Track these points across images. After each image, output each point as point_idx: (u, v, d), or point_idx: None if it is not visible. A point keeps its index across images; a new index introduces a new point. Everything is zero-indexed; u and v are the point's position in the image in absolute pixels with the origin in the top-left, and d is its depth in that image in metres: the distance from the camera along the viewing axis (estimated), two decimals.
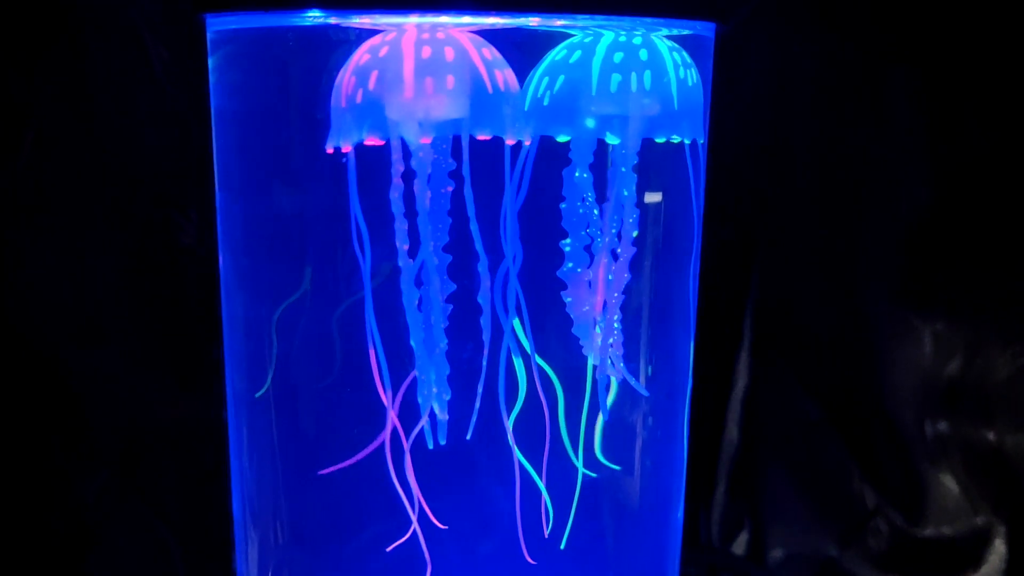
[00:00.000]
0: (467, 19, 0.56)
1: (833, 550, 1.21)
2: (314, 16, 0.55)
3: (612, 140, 0.58)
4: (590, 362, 0.63)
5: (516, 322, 0.61)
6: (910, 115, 1.15)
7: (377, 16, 0.55)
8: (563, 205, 0.62)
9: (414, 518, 0.60)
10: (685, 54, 0.61)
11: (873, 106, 1.15)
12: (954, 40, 1.12)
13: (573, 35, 0.60)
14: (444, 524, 0.62)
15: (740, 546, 1.24)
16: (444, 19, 0.55)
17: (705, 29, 0.68)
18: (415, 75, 0.52)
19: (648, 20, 0.60)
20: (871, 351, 1.19)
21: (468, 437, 0.62)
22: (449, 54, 0.53)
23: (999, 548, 1.17)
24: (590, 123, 0.58)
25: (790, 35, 1.16)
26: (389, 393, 0.59)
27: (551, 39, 0.60)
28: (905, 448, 1.19)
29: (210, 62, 0.64)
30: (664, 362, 0.69)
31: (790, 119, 1.18)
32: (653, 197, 0.64)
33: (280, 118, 0.61)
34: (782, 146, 1.18)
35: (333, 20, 0.56)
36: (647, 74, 0.58)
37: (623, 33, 0.59)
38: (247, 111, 0.63)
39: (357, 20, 0.56)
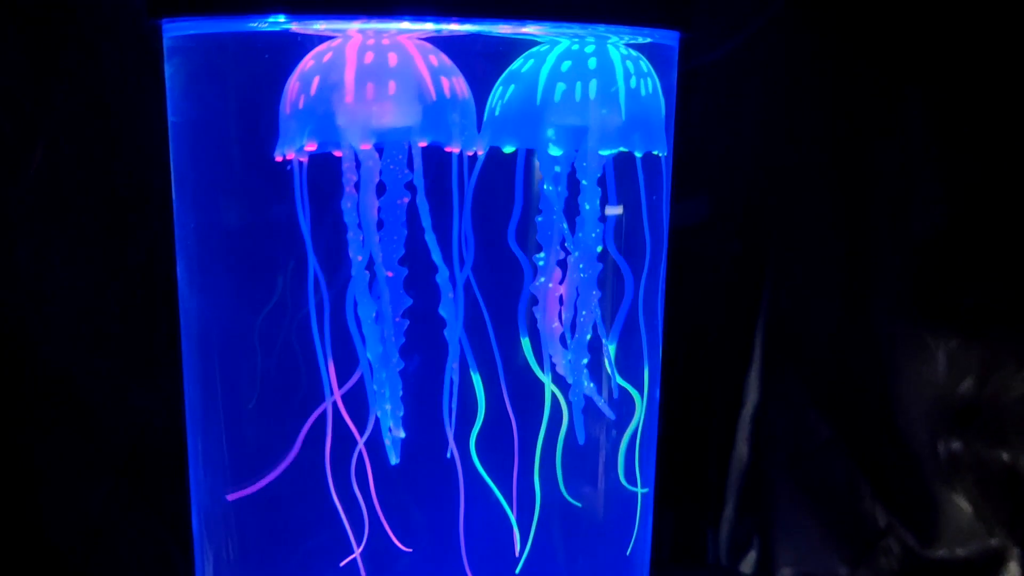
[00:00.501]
0: (426, 26, 0.56)
1: (843, 570, 1.19)
2: (275, 21, 0.55)
3: (554, 152, 0.57)
4: (547, 382, 0.61)
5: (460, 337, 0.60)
6: (924, 131, 1.13)
7: (331, 21, 0.55)
8: (539, 219, 0.61)
9: (353, 541, 0.59)
10: (643, 63, 0.60)
11: (886, 121, 1.14)
12: (968, 56, 1.11)
13: (541, 44, 0.59)
14: (397, 541, 0.61)
15: (749, 565, 1.22)
16: (403, 25, 0.55)
17: (668, 38, 0.67)
18: (356, 80, 0.52)
19: (604, 27, 0.59)
20: (883, 369, 1.17)
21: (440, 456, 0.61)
22: (392, 59, 0.52)
23: (1013, 570, 1.15)
24: (534, 134, 0.57)
25: (803, 50, 1.15)
26: (331, 407, 0.58)
27: (520, 48, 0.60)
28: (917, 467, 1.17)
29: (166, 70, 0.65)
30: (633, 380, 0.67)
31: (802, 134, 1.17)
32: (613, 211, 0.63)
33: (230, 126, 0.61)
34: (794, 161, 1.18)
35: (294, 27, 0.56)
36: (592, 83, 0.57)
37: (577, 42, 0.58)
38: (198, 119, 0.64)
39: (314, 26, 0.56)
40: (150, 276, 1.05)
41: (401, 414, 0.60)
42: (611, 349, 0.63)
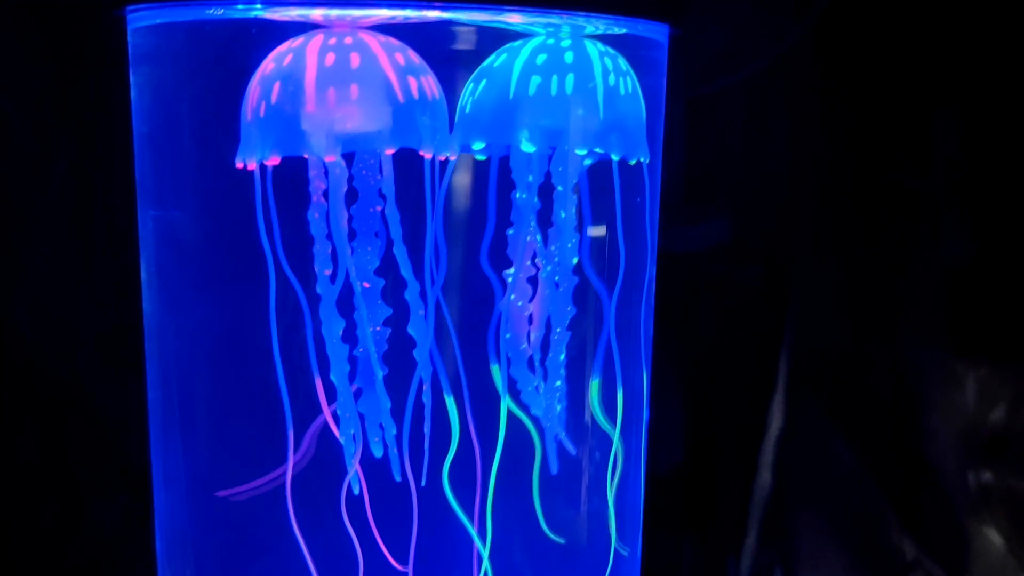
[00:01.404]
0: (408, 12, 0.53)
1: None
2: (243, 8, 0.53)
3: (527, 148, 0.53)
4: (503, 404, 0.58)
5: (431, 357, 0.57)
6: (955, 155, 1.11)
7: (303, 8, 0.52)
8: (510, 231, 0.58)
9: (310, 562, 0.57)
10: (622, 61, 0.57)
11: (916, 145, 1.12)
12: (1002, 78, 1.08)
13: (514, 41, 0.57)
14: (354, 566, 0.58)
15: None
16: (381, 12, 0.52)
17: (655, 32, 0.64)
18: (316, 85, 0.50)
19: (584, 17, 0.56)
20: (910, 396, 1.14)
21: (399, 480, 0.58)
22: (355, 60, 0.49)
23: None
24: (507, 130, 0.53)
25: (831, 72, 1.13)
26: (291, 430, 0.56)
27: (492, 46, 0.57)
28: (946, 498, 1.13)
29: (132, 80, 0.64)
30: (613, 409, 0.63)
31: (827, 157, 1.15)
32: (596, 231, 0.59)
33: (192, 130, 0.60)
34: (819, 185, 1.15)
35: (267, 14, 0.54)
36: (569, 77, 0.54)
37: (552, 37, 0.55)
38: (160, 121, 0.62)
39: (285, 13, 0.53)
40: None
41: (394, 432, 0.57)
42: (594, 384, 0.60)
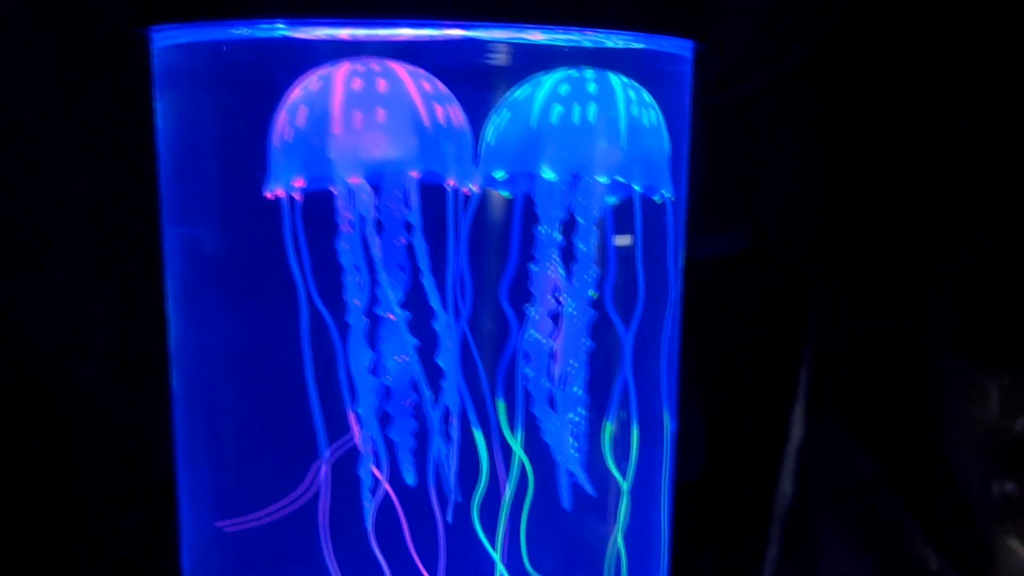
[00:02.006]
0: (430, 31, 0.52)
1: None
2: (267, 28, 0.52)
3: (548, 175, 0.53)
4: (517, 442, 0.57)
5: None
6: (975, 161, 1.10)
7: (316, 28, 0.52)
8: (533, 266, 0.57)
9: None
10: (645, 94, 0.56)
11: (935, 152, 1.11)
12: (1020, 84, 1.08)
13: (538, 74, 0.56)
14: None
15: None
16: (403, 31, 0.52)
17: (679, 47, 0.63)
18: (343, 109, 0.49)
19: (609, 33, 0.55)
20: (933, 406, 1.13)
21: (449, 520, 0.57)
22: (382, 86, 0.49)
23: None
24: (530, 159, 0.53)
25: (849, 80, 1.13)
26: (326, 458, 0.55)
27: (517, 76, 0.57)
28: (970, 509, 1.13)
29: (155, 91, 0.63)
30: (643, 445, 0.62)
31: (846, 165, 1.14)
32: (623, 240, 0.58)
33: (218, 153, 0.59)
34: (838, 193, 1.15)
35: (292, 33, 0.53)
36: (592, 107, 0.53)
37: (576, 69, 0.55)
38: (186, 145, 0.62)
39: (307, 32, 0.52)
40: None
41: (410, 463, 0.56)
42: (607, 427, 0.59)
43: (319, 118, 0.49)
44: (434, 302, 0.53)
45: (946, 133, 1.10)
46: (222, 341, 0.60)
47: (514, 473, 0.59)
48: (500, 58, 0.55)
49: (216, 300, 0.61)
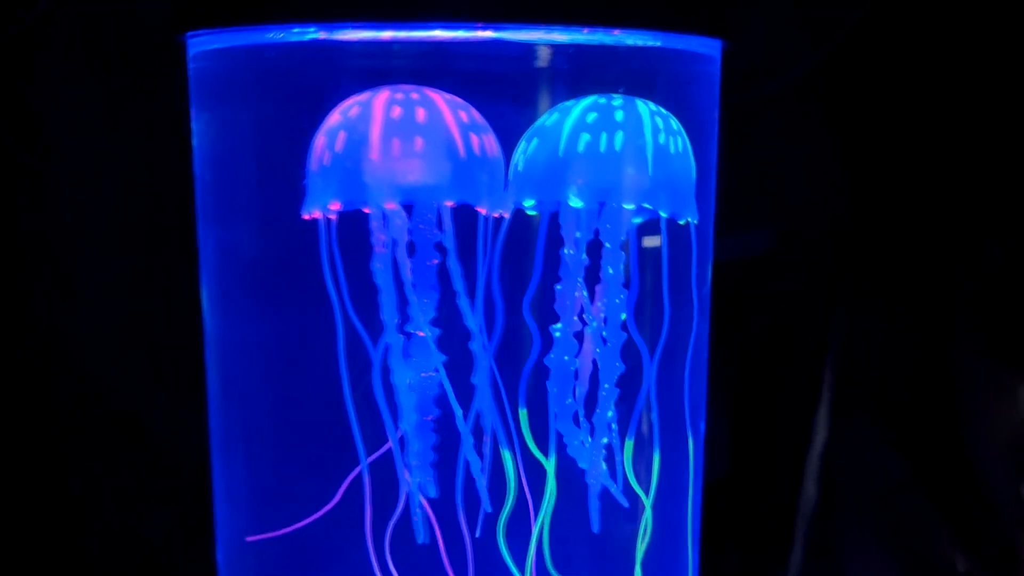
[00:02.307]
0: (462, 33, 0.52)
1: None
2: (300, 32, 0.52)
3: (575, 203, 0.53)
4: (548, 465, 0.57)
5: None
6: (1002, 159, 1.09)
7: (348, 31, 0.52)
8: (558, 287, 0.57)
9: None
10: (674, 122, 0.56)
11: (961, 151, 1.10)
12: None
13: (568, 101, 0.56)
14: None
15: None
16: (436, 33, 0.52)
17: (707, 47, 0.63)
18: (382, 136, 0.49)
19: (627, 32, 0.55)
20: (960, 407, 1.13)
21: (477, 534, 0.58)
22: (421, 115, 0.49)
23: None
24: (557, 187, 0.53)
25: (873, 79, 1.12)
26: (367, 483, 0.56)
27: (549, 98, 0.56)
28: (998, 511, 1.12)
29: (191, 95, 0.63)
30: (665, 470, 0.62)
31: (871, 165, 1.13)
32: (651, 242, 0.58)
33: (256, 179, 0.59)
34: (863, 192, 1.14)
35: (324, 35, 0.53)
36: (619, 135, 0.53)
37: (604, 97, 0.55)
38: (224, 161, 0.62)
39: (340, 34, 0.53)
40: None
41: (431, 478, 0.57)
42: (628, 445, 0.59)
43: (357, 143, 0.49)
44: (469, 323, 0.54)
45: (974, 131, 1.09)
46: (256, 346, 0.61)
47: (549, 489, 0.59)
48: (537, 61, 0.55)
49: (251, 306, 0.62)
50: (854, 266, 1.15)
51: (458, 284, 0.53)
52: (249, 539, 0.62)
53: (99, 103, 1.01)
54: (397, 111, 0.49)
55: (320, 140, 0.52)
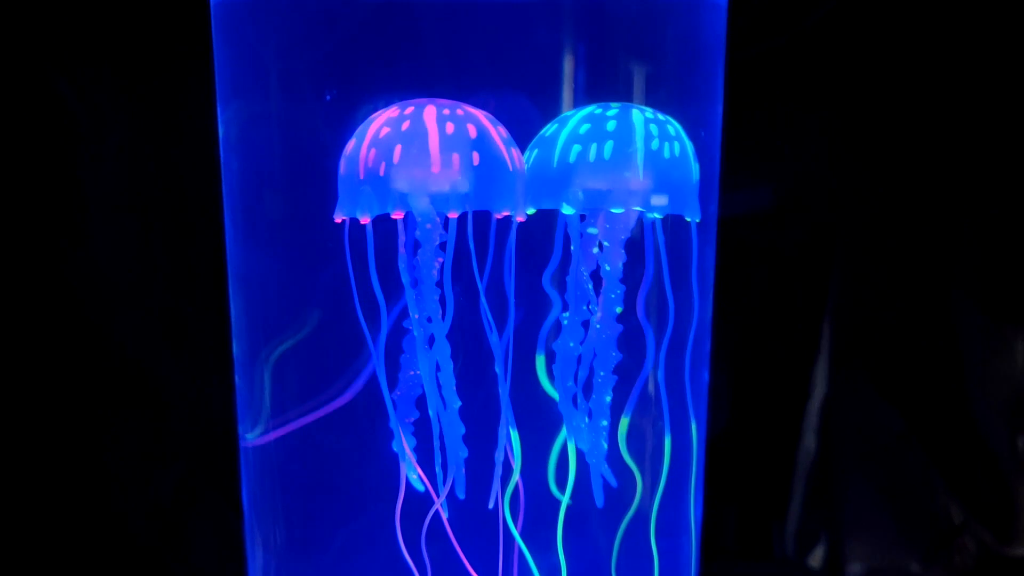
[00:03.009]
0: None
1: (916, 567, 1.17)
2: None
3: (567, 211, 0.55)
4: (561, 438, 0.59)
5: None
6: (1005, 116, 1.08)
7: None
8: (568, 278, 0.60)
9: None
10: (671, 127, 0.57)
11: (961, 108, 1.09)
12: None
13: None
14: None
15: (817, 560, 1.20)
16: None
17: None
18: (440, 150, 0.49)
19: None
20: (958, 361, 1.14)
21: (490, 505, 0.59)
22: (472, 131, 0.50)
23: None
24: (553, 195, 0.56)
25: (875, 33, 1.11)
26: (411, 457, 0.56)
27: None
28: (995, 463, 1.14)
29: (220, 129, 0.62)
30: (658, 459, 0.64)
31: (872, 121, 1.12)
32: (659, 200, 0.59)
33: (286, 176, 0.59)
34: (863, 149, 1.13)
35: None
36: (608, 144, 0.55)
37: (600, 107, 0.57)
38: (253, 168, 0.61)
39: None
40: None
41: (464, 455, 0.58)
42: (623, 422, 0.61)
43: (417, 157, 0.48)
44: (481, 315, 0.56)
45: (975, 89, 1.09)
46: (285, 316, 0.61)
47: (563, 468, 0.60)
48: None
49: (276, 284, 0.62)
50: (854, 222, 1.15)
51: (475, 280, 0.54)
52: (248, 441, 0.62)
53: (105, 65, 0.99)
54: (450, 127, 0.49)
55: (369, 151, 0.51)
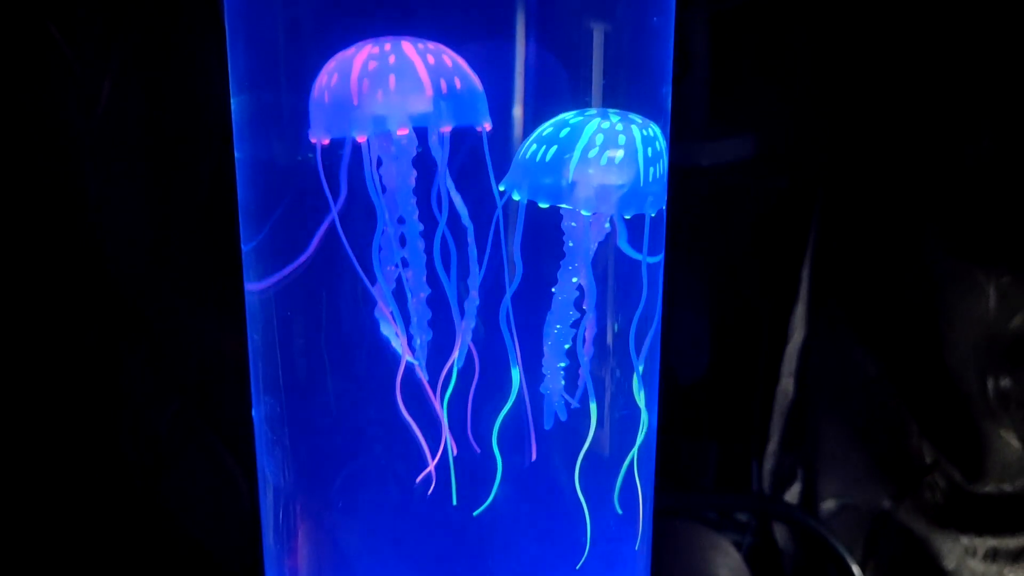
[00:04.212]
0: None
1: (888, 503, 1.20)
2: None
3: (516, 197, 0.61)
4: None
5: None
6: (979, 62, 1.10)
7: None
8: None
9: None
10: (622, 138, 0.60)
11: (938, 54, 1.11)
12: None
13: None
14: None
15: (792, 496, 1.23)
16: None
17: None
18: (429, 77, 0.53)
19: None
20: (932, 305, 1.16)
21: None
22: (447, 60, 0.57)
23: None
24: (513, 182, 0.61)
25: None
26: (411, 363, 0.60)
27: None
28: (966, 404, 1.17)
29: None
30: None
31: (852, 70, 1.14)
32: (614, 153, 0.62)
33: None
34: (843, 97, 1.15)
35: None
36: (553, 149, 0.60)
37: (578, 114, 0.61)
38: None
39: None
40: (212, 209, 1.05)
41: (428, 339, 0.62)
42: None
43: (412, 85, 0.53)
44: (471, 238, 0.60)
45: (949, 38, 1.10)
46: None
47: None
48: None
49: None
50: (833, 169, 1.17)
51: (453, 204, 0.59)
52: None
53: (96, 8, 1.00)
54: (431, 58, 0.56)
55: (363, 82, 0.55)
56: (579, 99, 0.62)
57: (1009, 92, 1.10)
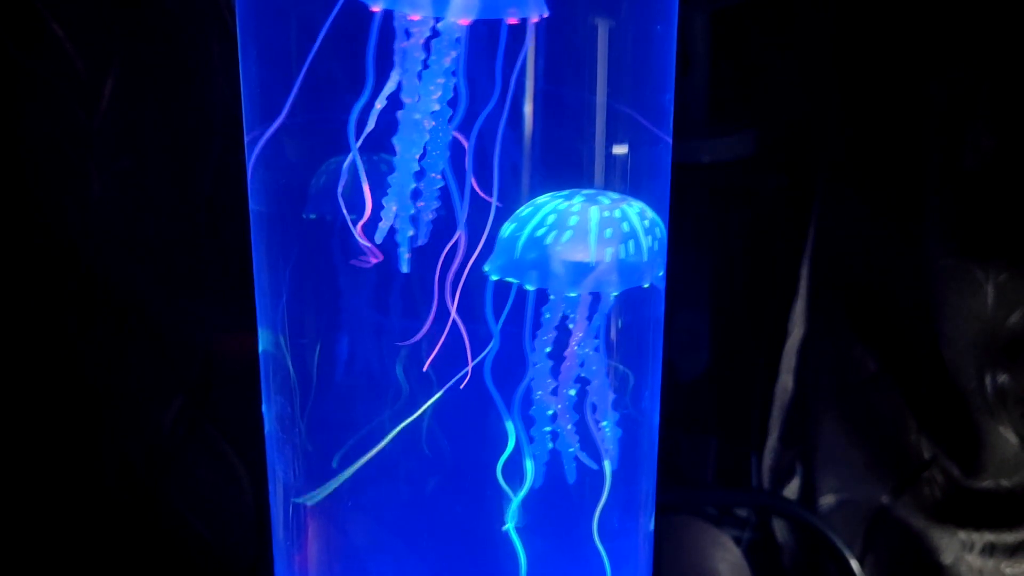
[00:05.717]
0: None
1: (886, 499, 1.20)
2: None
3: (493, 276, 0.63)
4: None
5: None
6: (977, 64, 1.10)
7: None
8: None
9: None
10: (626, 224, 0.61)
11: (937, 52, 1.11)
12: None
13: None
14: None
15: (791, 492, 1.24)
16: None
17: None
18: None
19: None
20: (931, 302, 1.16)
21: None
22: None
23: None
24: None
25: None
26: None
27: None
28: (964, 400, 1.17)
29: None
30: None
31: (852, 66, 1.14)
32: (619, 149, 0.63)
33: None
34: (843, 94, 1.15)
35: None
36: (511, 226, 0.62)
37: (559, 198, 0.62)
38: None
39: None
40: (216, 203, 1.05)
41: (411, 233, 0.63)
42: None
43: None
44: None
45: (948, 32, 1.10)
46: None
47: None
48: None
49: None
50: (833, 165, 1.17)
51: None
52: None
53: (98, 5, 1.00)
54: None
55: None
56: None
57: (1008, 90, 1.10)
